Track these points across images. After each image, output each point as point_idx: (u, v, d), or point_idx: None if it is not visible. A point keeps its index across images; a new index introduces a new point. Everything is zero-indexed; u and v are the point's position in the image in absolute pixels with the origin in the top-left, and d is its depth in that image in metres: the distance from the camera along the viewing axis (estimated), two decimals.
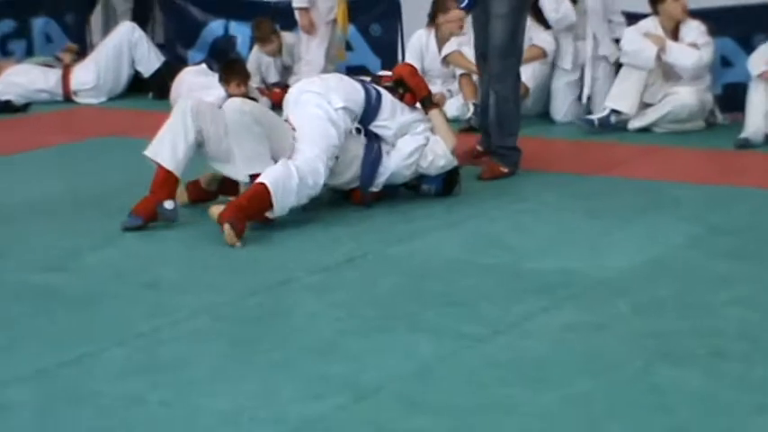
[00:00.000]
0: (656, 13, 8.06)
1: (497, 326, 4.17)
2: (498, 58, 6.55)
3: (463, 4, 6.51)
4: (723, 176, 6.64)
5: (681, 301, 4.43)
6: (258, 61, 9.47)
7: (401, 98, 6.00)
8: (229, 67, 8.67)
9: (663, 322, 4.20)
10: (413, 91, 6.02)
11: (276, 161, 5.51)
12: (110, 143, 7.91)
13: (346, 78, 6.03)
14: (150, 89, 9.73)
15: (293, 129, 5.69)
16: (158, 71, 9.74)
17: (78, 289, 4.68)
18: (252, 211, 5.33)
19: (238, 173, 5.59)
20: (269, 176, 5.38)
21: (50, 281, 4.78)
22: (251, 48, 9.94)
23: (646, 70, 7.90)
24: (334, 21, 8.82)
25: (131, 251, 5.22)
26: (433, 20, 8.59)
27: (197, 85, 8.77)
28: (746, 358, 3.83)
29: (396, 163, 5.90)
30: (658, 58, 7.88)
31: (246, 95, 8.39)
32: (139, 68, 9.79)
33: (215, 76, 8.69)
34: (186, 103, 5.70)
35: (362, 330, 4.15)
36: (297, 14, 8.99)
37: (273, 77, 9.45)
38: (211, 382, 3.70)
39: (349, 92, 5.81)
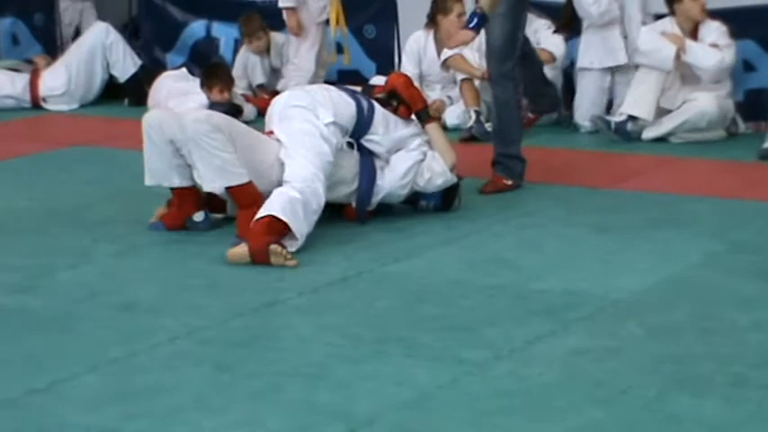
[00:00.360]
0: (672, 13, 8.09)
1: (500, 351, 4.19)
2: (497, 61, 6.59)
3: (472, 24, 6.34)
4: (744, 190, 6.66)
5: (698, 324, 4.46)
6: (245, 62, 9.50)
7: (394, 111, 6.01)
8: (212, 71, 8.74)
9: (679, 347, 4.22)
10: (407, 103, 6.03)
11: (253, 175, 5.53)
12: (82, 153, 7.94)
13: (334, 90, 6.02)
14: (126, 95, 9.77)
15: (278, 140, 5.71)
16: (134, 76, 9.77)
17: (49, 310, 4.70)
18: (276, 237, 5.31)
19: (213, 185, 5.60)
20: (275, 206, 5.36)
21: (20, 302, 4.81)
22: (235, 51, 9.98)
23: (664, 72, 7.93)
24: (326, 22, 8.84)
25: (106, 270, 5.25)
26: (432, 21, 8.61)
27: (176, 90, 8.80)
28: None
29: (390, 183, 5.93)
30: (677, 58, 7.91)
31: (230, 102, 8.47)
32: (114, 73, 9.82)
33: (196, 82, 8.75)
34: (145, 120, 5.78)
35: (355, 355, 4.17)
36: (284, 15, 9.02)
37: (259, 78, 9.47)
38: (191, 411, 3.72)
39: (338, 105, 5.83)
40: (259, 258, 5.20)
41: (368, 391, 3.86)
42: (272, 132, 5.83)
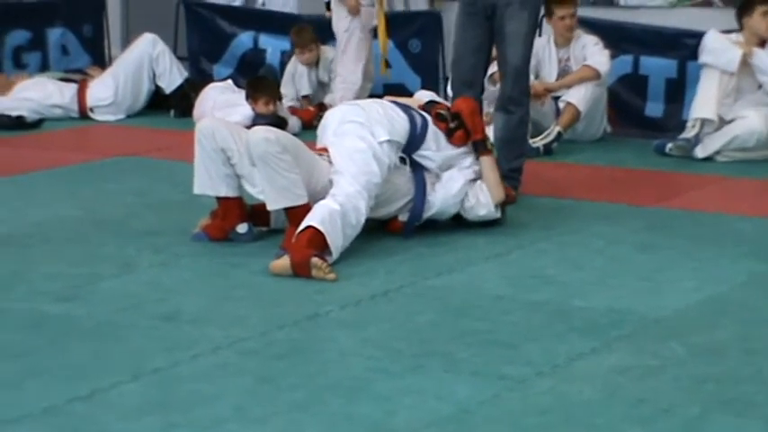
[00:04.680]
0: (741, 27, 8.08)
1: (542, 367, 4.18)
2: (516, 80, 6.63)
3: None
4: None
5: (742, 344, 4.43)
6: (293, 72, 9.54)
7: (450, 133, 5.97)
8: (257, 83, 8.78)
9: (722, 367, 4.20)
10: (468, 130, 6.01)
11: (310, 195, 5.55)
12: (128, 163, 7.99)
13: (388, 105, 5.98)
14: (172, 106, 9.82)
15: (329, 161, 5.72)
16: (181, 87, 9.83)
17: (92, 319, 4.73)
18: (317, 251, 5.32)
19: (269, 201, 5.62)
20: (316, 218, 5.38)
21: (63, 310, 4.84)
22: (282, 63, 10.03)
23: (727, 74, 7.89)
24: (373, 33, 8.84)
25: (150, 280, 5.28)
26: None
27: (222, 102, 8.86)
28: None
29: (443, 201, 5.94)
30: (743, 62, 7.87)
31: (275, 114, 8.51)
32: (161, 84, 9.88)
33: (242, 93, 8.80)
34: (199, 128, 5.80)
35: (395, 369, 4.17)
36: (337, 11, 8.89)
37: (305, 89, 9.49)
38: (232, 421, 3.73)
39: (393, 121, 5.82)
40: (301, 271, 5.22)
41: (408, 406, 3.85)
42: (325, 149, 5.83)
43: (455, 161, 6.01)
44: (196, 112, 8.96)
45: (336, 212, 5.42)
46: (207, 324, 4.66)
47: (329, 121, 5.97)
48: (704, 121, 7.94)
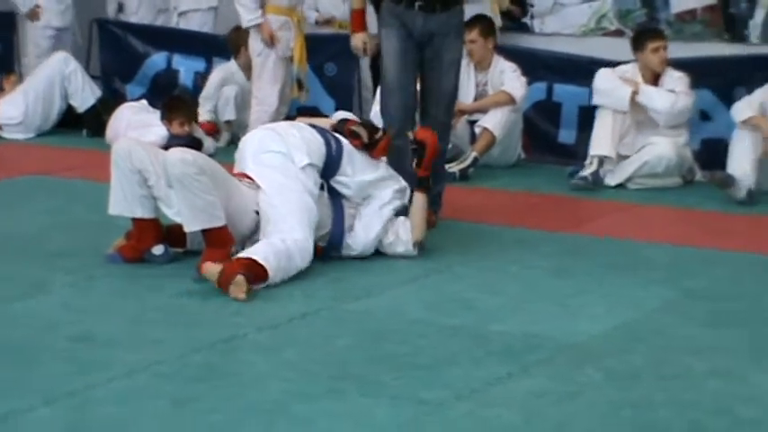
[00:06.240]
0: (636, 60, 8.22)
1: (460, 391, 4.19)
2: (448, 107, 6.70)
3: None
4: (699, 238, 6.72)
5: (656, 370, 4.48)
6: (222, 84, 9.47)
7: (371, 146, 5.97)
8: (172, 104, 8.71)
9: (638, 392, 4.24)
10: (423, 164, 6.06)
11: (228, 219, 5.54)
12: (39, 183, 7.88)
13: (305, 128, 5.96)
14: (84, 125, 9.72)
15: (253, 187, 5.71)
16: (94, 106, 9.74)
17: (4, 341, 4.64)
18: (251, 278, 5.31)
19: (186, 223, 5.58)
20: (261, 253, 5.38)
21: None
22: (195, 84, 9.98)
23: (620, 112, 8.01)
24: (290, 58, 8.84)
25: (62, 301, 5.20)
26: None
27: (136, 122, 8.78)
28: None
29: (363, 245, 5.94)
30: (632, 99, 8.00)
31: (191, 135, 8.46)
32: (73, 103, 9.78)
33: (156, 114, 8.73)
34: (116, 149, 5.75)
35: (313, 392, 4.15)
36: (253, 34, 8.86)
37: (230, 115, 9.45)
38: None
39: (310, 143, 5.81)
40: (224, 282, 5.21)
41: (326, 429, 3.84)
42: (245, 175, 5.80)
43: (373, 189, 5.99)
44: (109, 131, 8.87)
45: (283, 252, 5.45)
46: (122, 347, 4.60)
47: (246, 146, 5.94)
48: (602, 159, 8.05)
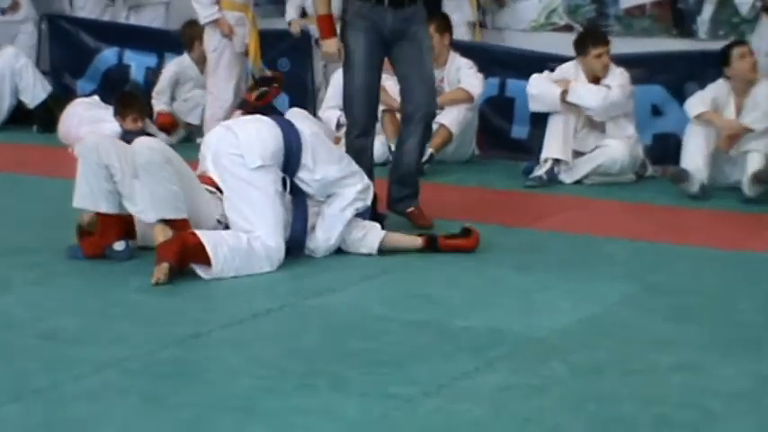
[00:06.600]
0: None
1: (428, 387, 4.21)
2: (433, 92, 6.73)
3: None
4: (655, 233, 6.79)
5: (620, 364, 4.52)
6: (175, 77, 9.43)
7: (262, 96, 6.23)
8: (125, 99, 8.68)
9: (603, 386, 4.28)
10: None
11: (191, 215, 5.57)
12: None
13: (264, 123, 5.88)
14: (35, 121, 9.65)
15: (216, 194, 5.75)
16: (44, 102, 9.66)
17: None
18: (189, 260, 5.40)
19: (147, 215, 5.58)
20: (215, 244, 5.44)
21: None
22: (147, 79, 9.94)
23: (572, 113, 8.07)
24: (245, 54, 8.83)
25: (24, 299, 5.17)
26: None
27: (88, 118, 8.73)
28: (693, 427, 3.93)
29: (324, 249, 5.95)
30: (563, 99, 8.06)
31: (144, 131, 8.42)
32: (23, 98, 9.70)
33: (108, 110, 8.68)
34: (83, 143, 5.74)
35: (283, 388, 4.15)
36: (208, 30, 8.82)
37: (194, 119, 9.42)
38: None
39: (266, 141, 5.76)
40: (157, 257, 5.37)
41: (297, 425, 3.84)
42: (209, 178, 5.81)
43: (336, 187, 5.96)
44: (61, 127, 8.82)
45: (242, 251, 5.50)
46: (88, 343, 4.58)
47: (205, 149, 5.94)
48: (555, 160, 8.11)
